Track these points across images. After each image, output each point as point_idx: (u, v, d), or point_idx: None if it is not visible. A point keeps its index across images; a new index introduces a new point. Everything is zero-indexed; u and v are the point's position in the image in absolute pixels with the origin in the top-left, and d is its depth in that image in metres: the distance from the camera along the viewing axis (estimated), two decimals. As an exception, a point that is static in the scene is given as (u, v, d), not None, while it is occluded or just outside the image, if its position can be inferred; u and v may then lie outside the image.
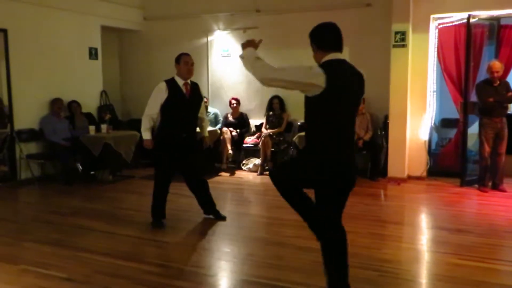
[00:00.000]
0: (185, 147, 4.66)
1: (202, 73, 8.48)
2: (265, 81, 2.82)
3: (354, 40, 7.27)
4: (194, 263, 3.87)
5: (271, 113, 7.66)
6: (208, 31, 8.38)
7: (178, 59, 4.64)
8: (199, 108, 4.83)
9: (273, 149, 7.29)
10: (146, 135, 4.67)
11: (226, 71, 8.33)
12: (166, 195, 4.76)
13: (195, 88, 4.75)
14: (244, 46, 3.06)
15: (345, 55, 8.01)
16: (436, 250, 4.23)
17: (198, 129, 4.97)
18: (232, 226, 4.94)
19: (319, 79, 2.67)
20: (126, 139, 6.98)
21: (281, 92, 7.71)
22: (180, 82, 4.62)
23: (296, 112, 7.57)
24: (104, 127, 7.06)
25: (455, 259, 3.89)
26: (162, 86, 4.56)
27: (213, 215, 4.97)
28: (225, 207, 5.75)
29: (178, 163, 4.70)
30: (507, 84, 6.01)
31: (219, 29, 8.28)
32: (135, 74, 8.94)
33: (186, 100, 4.64)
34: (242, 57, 3.00)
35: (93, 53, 8.03)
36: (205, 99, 7.96)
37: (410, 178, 6.70)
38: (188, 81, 4.68)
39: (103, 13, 8.08)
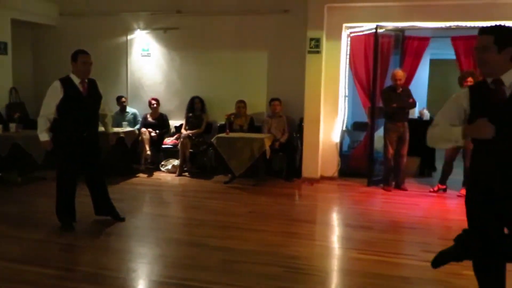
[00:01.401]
0: (86, 146, 4.58)
1: (121, 72, 8.32)
2: None
3: (272, 45, 7.53)
4: (103, 266, 3.82)
5: (191, 114, 7.68)
6: (127, 30, 8.24)
7: (75, 57, 4.48)
8: (98, 106, 4.74)
9: (192, 150, 7.32)
10: (43, 136, 4.53)
11: (146, 71, 8.24)
12: (73, 196, 4.64)
13: (92, 86, 4.63)
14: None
15: (263, 59, 8.29)
16: (340, 246, 4.51)
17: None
18: (146, 228, 4.93)
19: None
20: (37, 139, 6.66)
21: (201, 93, 7.77)
22: (76, 80, 4.49)
23: (216, 113, 7.65)
24: (13, 126, 6.72)
25: (357, 254, 4.17)
26: (57, 85, 4.43)
27: (111, 216, 4.88)
28: (141, 209, 5.72)
29: (79, 163, 4.60)
30: (408, 91, 6.50)
31: (139, 28, 8.17)
32: (50, 71, 8.53)
33: (83, 99, 4.53)
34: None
35: (1, 48, 7.60)
36: (123, 99, 7.90)
37: (322, 178, 7.03)
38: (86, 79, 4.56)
39: (14, 5, 7.68)
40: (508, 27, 2.48)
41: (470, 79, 6.15)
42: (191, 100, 7.76)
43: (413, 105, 6.51)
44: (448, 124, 2.58)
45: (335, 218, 5.64)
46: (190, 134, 7.42)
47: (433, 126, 2.68)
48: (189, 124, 7.64)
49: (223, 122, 7.33)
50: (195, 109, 7.71)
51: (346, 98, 7.29)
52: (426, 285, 3.57)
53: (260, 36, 7.59)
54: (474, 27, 6.58)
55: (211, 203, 5.87)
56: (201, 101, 7.73)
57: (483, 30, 2.47)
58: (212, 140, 6.84)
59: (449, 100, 2.68)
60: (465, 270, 3.77)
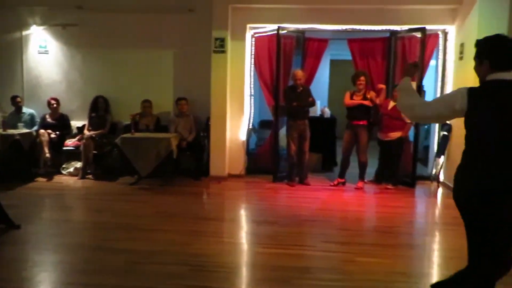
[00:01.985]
0: None
1: (15, 70, 7.81)
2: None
3: (178, 44, 7.50)
4: (-5, 277, 3.60)
5: (94, 114, 7.42)
6: (22, 26, 7.75)
7: None
8: None
9: (95, 152, 7.08)
10: None
11: (44, 69, 7.81)
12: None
13: None
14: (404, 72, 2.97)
15: (169, 58, 8.19)
16: (245, 242, 4.63)
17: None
18: (44, 234, 4.69)
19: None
20: None
21: (105, 92, 7.54)
22: None
23: (121, 113, 7.47)
24: None
25: (261, 248, 4.33)
26: None
27: (4, 224, 4.60)
28: (40, 214, 5.43)
29: None
30: (308, 90, 6.81)
31: (35, 24, 7.71)
32: None
33: None
34: (398, 89, 2.87)
35: None
36: (18, 99, 7.42)
37: (230, 176, 7.15)
38: None
39: None
40: (484, 41, 2.63)
41: (362, 78, 6.61)
42: (94, 100, 7.50)
43: (312, 103, 6.83)
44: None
45: (241, 215, 5.77)
46: (94, 135, 7.17)
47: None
48: (92, 124, 7.38)
49: (128, 122, 7.17)
50: (99, 109, 7.46)
51: (252, 97, 7.46)
52: (324, 274, 3.78)
53: (165, 35, 7.52)
54: (367, 30, 7.10)
55: (116, 205, 5.73)
56: (105, 100, 7.49)
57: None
58: (116, 140, 6.67)
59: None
60: (358, 257, 4.08)
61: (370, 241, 4.68)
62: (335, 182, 6.81)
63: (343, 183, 6.80)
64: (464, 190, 2.63)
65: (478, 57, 2.64)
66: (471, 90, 2.56)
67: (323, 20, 6.97)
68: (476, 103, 2.52)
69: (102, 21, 7.54)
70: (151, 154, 6.46)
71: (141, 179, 6.64)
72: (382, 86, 6.76)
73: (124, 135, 6.69)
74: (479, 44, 2.66)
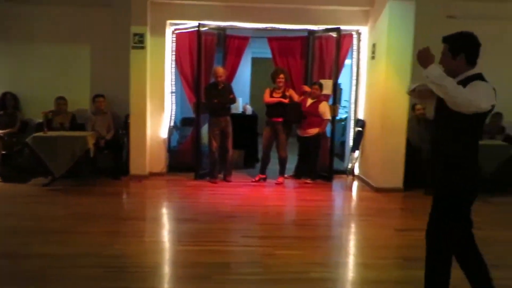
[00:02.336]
0: None
1: None
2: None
3: (95, 39, 7.23)
4: None
5: (2, 112, 6.95)
6: None
7: None
8: None
9: (5, 152, 6.63)
10: None
11: None
12: None
13: None
14: (423, 60, 2.78)
15: (85, 54, 7.86)
16: (166, 240, 4.59)
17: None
18: None
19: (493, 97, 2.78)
20: None
21: (14, 88, 7.09)
22: None
23: (33, 111, 7.06)
24: None
25: (182, 246, 4.31)
26: None
27: None
28: None
29: None
30: (230, 87, 6.86)
31: None
32: None
33: None
34: (428, 78, 2.73)
35: None
36: None
37: (151, 174, 7.01)
38: None
39: None
40: (461, 36, 2.86)
41: (282, 76, 6.77)
42: (2, 96, 7.03)
43: (233, 100, 6.88)
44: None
45: (163, 213, 5.69)
46: (2, 134, 6.71)
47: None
48: (1, 123, 6.90)
49: (40, 120, 6.79)
50: (7, 106, 7.01)
51: (173, 94, 7.37)
52: (244, 268, 3.84)
53: (81, 30, 7.20)
54: (287, 29, 7.27)
55: (28, 208, 5.41)
56: (14, 97, 7.05)
57: (443, 39, 2.90)
58: (27, 139, 6.29)
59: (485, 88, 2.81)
60: (277, 250, 4.19)
61: (289, 234, 4.82)
62: (257, 178, 6.92)
63: (264, 179, 6.93)
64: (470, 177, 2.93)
65: (451, 51, 2.85)
66: None
67: (244, 18, 7.04)
68: None
69: (12, 12, 7.07)
70: (65, 153, 6.16)
71: (56, 179, 6.32)
72: (308, 89, 6.93)
73: (36, 134, 6.33)
74: (453, 39, 2.88)
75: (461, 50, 2.84)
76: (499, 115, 7.07)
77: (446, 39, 2.91)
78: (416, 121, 6.75)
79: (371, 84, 6.97)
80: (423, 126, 6.72)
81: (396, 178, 6.50)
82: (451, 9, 7.19)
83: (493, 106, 2.76)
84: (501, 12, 7.28)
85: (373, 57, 6.80)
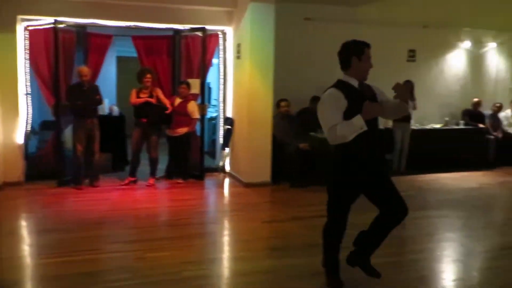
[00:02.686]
0: None
1: None
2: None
3: None
4: None
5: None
6: None
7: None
8: None
9: None
10: None
11: None
12: None
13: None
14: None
15: None
16: (25, 255, 4.21)
17: None
18: None
19: None
20: None
21: None
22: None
23: None
24: None
25: (41, 259, 4.01)
26: None
27: None
28: None
29: None
30: (96, 87, 6.52)
31: None
32: None
33: None
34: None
35: None
36: None
37: (6, 185, 6.36)
38: None
39: None
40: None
41: (149, 75, 6.63)
42: None
43: (99, 101, 6.56)
44: (342, 120, 3.07)
45: (20, 226, 5.21)
46: None
47: (332, 127, 3.06)
48: None
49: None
50: None
51: (29, 95, 6.77)
52: (113, 275, 3.70)
53: None
54: (152, 28, 7.14)
55: None
56: None
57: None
58: None
59: (327, 104, 3.16)
60: (147, 253, 4.11)
61: (160, 235, 4.75)
62: (126, 181, 6.69)
63: (135, 182, 6.73)
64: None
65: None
66: None
67: (106, 15, 6.74)
68: None
69: None
70: None
71: None
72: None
73: None
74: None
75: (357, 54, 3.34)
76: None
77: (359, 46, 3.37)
78: (280, 117, 7.10)
79: (237, 83, 7.17)
80: (287, 122, 7.10)
81: (264, 173, 6.78)
82: (307, 11, 7.72)
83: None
84: (353, 16, 8.00)
85: (238, 57, 7.00)
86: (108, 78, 9.35)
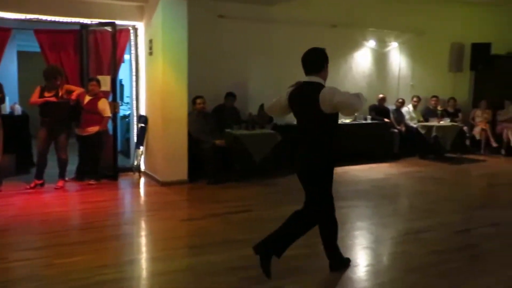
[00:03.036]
0: None
1: None
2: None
3: None
4: None
5: None
6: None
7: None
8: None
9: None
10: None
11: None
12: None
13: None
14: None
15: None
16: None
17: None
18: None
19: None
20: None
21: None
22: None
23: None
24: None
25: None
26: None
27: None
28: None
29: None
30: (-1, 85, 6.06)
31: None
32: None
33: None
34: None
35: None
36: None
37: None
38: None
39: None
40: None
41: (58, 77, 6.25)
42: None
43: (2, 100, 6.10)
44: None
45: None
46: None
47: (358, 94, 3.42)
48: None
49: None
50: None
51: None
52: (19, 285, 3.46)
53: None
54: (57, 22, 6.74)
55: None
56: None
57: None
58: None
59: (336, 88, 3.38)
60: (57, 259, 3.89)
61: (71, 240, 4.51)
62: (32, 185, 6.26)
63: (42, 184, 6.33)
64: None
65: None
66: None
67: (3, 7, 6.26)
68: None
69: None
70: None
71: None
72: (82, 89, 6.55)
73: None
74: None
75: (325, 62, 3.56)
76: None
77: (320, 56, 3.54)
78: (195, 114, 7.04)
79: (150, 80, 7.00)
80: (202, 119, 7.07)
81: (180, 171, 6.70)
82: (221, 9, 7.73)
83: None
84: (266, 15, 8.14)
85: (150, 53, 6.83)
86: (8, 75, 8.68)
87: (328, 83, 3.57)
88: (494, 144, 9.81)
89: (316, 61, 3.49)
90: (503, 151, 9.73)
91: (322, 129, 3.44)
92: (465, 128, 9.80)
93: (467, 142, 9.90)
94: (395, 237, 4.65)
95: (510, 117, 9.88)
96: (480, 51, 10.25)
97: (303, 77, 3.59)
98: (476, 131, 10.00)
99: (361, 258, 4.12)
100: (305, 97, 3.45)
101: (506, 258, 4.13)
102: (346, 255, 3.89)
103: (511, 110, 9.97)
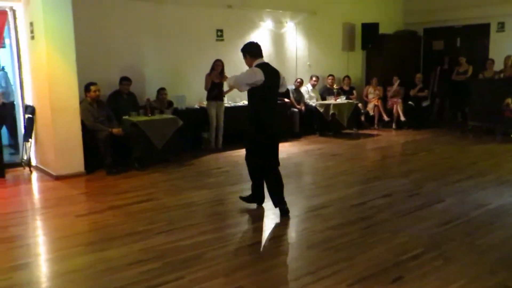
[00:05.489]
0: None
1: None
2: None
3: None
4: None
5: None
6: None
7: None
8: None
9: None
10: None
11: None
12: None
13: None
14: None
15: None
16: None
17: None
18: None
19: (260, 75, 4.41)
20: None
21: None
22: None
23: None
24: None
25: None
26: None
27: None
28: None
29: None
30: None
31: None
32: None
33: None
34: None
35: None
36: None
37: None
38: None
39: None
40: (244, 45, 4.71)
41: None
42: None
43: None
44: None
45: None
46: None
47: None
48: None
49: None
50: None
51: None
52: None
53: None
54: None
55: None
56: None
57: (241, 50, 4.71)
58: None
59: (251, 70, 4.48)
60: None
61: None
62: None
63: None
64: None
65: (243, 55, 4.67)
66: None
67: None
68: None
69: None
70: None
71: None
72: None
73: None
74: (243, 48, 4.69)
75: (245, 53, 4.61)
76: (163, 90, 7.69)
77: (241, 50, 4.67)
78: (88, 102, 6.63)
79: (35, 66, 6.45)
80: (96, 107, 6.68)
81: (76, 163, 6.31)
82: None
83: (262, 82, 4.40)
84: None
85: (32, 37, 6.27)
86: None
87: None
88: (386, 119, 10.48)
89: (257, 50, 4.62)
90: (393, 125, 10.44)
91: (249, 103, 4.70)
92: (359, 104, 10.33)
93: (362, 118, 10.46)
94: (297, 216, 4.77)
95: (396, 91, 10.57)
96: (369, 30, 10.82)
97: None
98: (370, 107, 10.60)
99: (263, 240, 4.18)
100: None
101: (395, 226, 4.42)
102: (250, 238, 3.91)
103: (397, 85, 10.69)
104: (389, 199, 5.31)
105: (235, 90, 8.45)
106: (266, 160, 4.64)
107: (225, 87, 7.89)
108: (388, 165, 7.64)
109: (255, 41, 4.75)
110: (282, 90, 4.85)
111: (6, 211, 5.31)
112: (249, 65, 4.56)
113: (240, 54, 4.75)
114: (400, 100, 10.44)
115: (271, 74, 4.54)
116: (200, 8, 8.33)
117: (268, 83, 4.45)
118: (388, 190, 5.64)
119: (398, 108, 10.37)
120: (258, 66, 4.48)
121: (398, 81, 10.62)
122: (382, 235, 4.18)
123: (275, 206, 4.70)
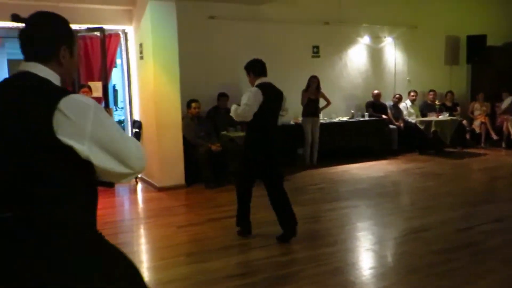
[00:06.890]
0: None
1: None
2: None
3: None
4: None
5: None
6: None
7: None
8: None
9: None
10: None
11: None
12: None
13: None
14: None
15: None
16: None
17: None
18: None
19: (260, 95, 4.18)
20: None
21: None
22: None
23: None
24: None
25: None
26: None
27: None
28: None
29: None
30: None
31: None
32: None
33: None
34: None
35: None
36: None
37: None
38: None
39: None
40: (248, 62, 4.48)
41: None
42: None
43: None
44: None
45: None
46: None
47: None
48: None
49: None
50: None
51: None
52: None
53: None
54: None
55: None
56: None
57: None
58: None
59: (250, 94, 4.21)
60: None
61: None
62: None
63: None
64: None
65: (247, 72, 4.45)
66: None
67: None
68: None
69: None
70: None
71: None
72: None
73: None
74: (246, 65, 4.45)
75: (249, 70, 4.41)
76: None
77: (245, 67, 4.44)
78: (190, 118, 6.95)
79: (143, 84, 6.91)
80: (197, 123, 6.97)
81: (177, 175, 6.61)
82: (211, 10, 7.63)
83: (261, 102, 4.18)
84: (257, 14, 8.05)
85: (141, 57, 6.74)
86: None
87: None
88: (495, 137, 9.73)
89: (261, 66, 4.41)
90: (503, 144, 9.65)
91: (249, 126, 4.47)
92: (464, 121, 9.71)
93: (467, 136, 9.82)
94: (396, 238, 4.56)
95: (506, 108, 9.79)
96: (476, 43, 10.18)
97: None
98: (476, 125, 9.93)
99: (363, 261, 4.03)
100: None
101: (508, 255, 4.04)
102: (348, 258, 3.79)
103: (508, 101, 9.89)
104: (501, 224, 4.87)
105: (331, 106, 8.51)
106: (266, 178, 4.41)
107: (321, 104, 7.87)
108: (498, 187, 7.05)
109: (260, 59, 4.44)
110: (282, 113, 4.65)
111: (116, 219, 5.71)
112: (252, 83, 4.37)
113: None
114: (511, 117, 9.65)
115: (273, 95, 4.31)
116: (298, 26, 8.41)
117: (267, 104, 4.21)
118: (499, 214, 5.19)
119: (509, 126, 9.58)
120: (259, 86, 4.26)
121: (510, 97, 9.83)
122: (491, 264, 3.84)
123: (282, 227, 4.34)
